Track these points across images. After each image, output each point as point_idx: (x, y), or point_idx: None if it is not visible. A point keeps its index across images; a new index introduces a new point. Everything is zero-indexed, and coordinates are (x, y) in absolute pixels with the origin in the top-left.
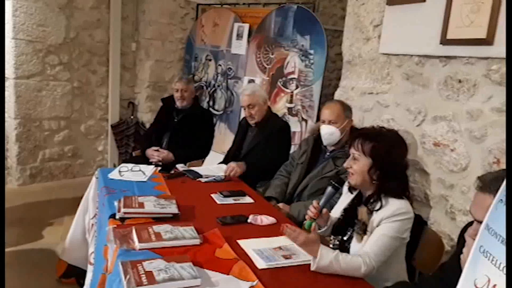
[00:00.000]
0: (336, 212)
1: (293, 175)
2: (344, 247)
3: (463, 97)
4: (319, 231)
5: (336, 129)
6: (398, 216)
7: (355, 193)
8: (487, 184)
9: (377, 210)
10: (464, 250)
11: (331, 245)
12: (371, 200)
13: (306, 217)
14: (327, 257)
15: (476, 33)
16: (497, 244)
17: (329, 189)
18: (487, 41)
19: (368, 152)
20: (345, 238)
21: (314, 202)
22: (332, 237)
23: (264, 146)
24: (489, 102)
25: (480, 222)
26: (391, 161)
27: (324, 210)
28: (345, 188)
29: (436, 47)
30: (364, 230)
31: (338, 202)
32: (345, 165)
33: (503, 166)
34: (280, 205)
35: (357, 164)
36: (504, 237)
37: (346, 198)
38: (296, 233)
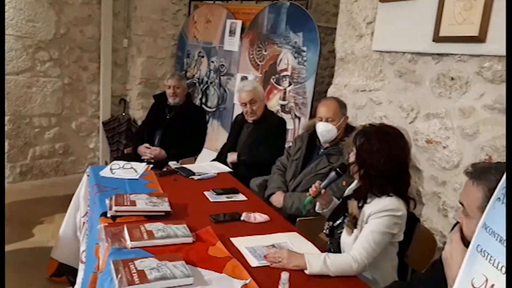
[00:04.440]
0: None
1: (287, 171)
2: (333, 234)
3: (456, 95)
4: (321, 211)
5: (334, 126)
6: (385, 212)
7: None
8: (473, 171)
9: (361, 206)
10: (447, 246)
11: (324, 230)
12: (358, 195)
13: (307, 194)
14: (316, 265)
15: (469, 30)
16: (495, 243)
17: (332, 173)
18: (479, 38)
19: (356, 147)
20: (335, 224)
21: (317, 182)
22: (327, 223)
23: (260, 142)
24: (481, 99)
25: (461, 204)
26: (371, 163)
27: (323, 191)
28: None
29: (429, 44)
30: (354, 224)
31: (349, 187)
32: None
33: None
34: (274, 197)
35: (352, 156)
36: (503, 236)
37: (356, 184)
38: (278, 253)
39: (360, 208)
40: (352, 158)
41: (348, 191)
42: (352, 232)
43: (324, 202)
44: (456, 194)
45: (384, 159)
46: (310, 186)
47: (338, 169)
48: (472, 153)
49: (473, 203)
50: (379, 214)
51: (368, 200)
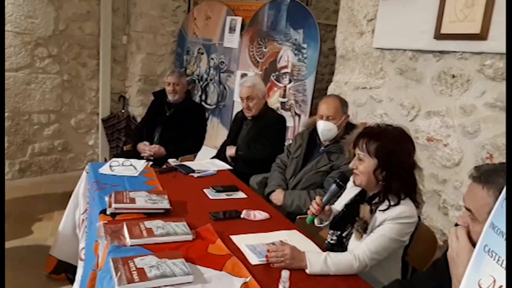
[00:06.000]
0: (339, 205)
1: (287, 169)
2: (341, 243)
3: (457, 92)
4: (321, 225)
5: (334, 125)
6: (402, 219)
7: (360, 189)
8: (480, 174)
9: (384, 210)
10: (453, 244)
11: (328, 239)
12: (376, 200)
13: (308, 212)
14: (317, 264)
15: (470, 27)
16: (503, 243)
17: (333, 186)
18: (481, 36)
19: (373, 152)
20: (343, 234)
21: (317, 198)
22: (330, 232)
23: (259, 139)
24: (483, 97)
25: (467, 209)
26: (397, 161)
27: (327, 207)
28: (350, 181)
29: (430, 41)
30: (364, 229)
31: (342, 195)
32: (350, 165)
33: (495, 161)
34: (274, 194)
35: (363, 165)
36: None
37: (351, 191)
38: (280, 251)
39: (372, 213)
40: (366, 166)
41: (347, 199)
42: (362, 237)
43: (325, 217)
44: (457, 192)
45: (404, 155)
46: (310, 185)
47: (339, 181)
48: (473, 151)
49: (483, 208)
50: (395, 221)
51: (384, 207)
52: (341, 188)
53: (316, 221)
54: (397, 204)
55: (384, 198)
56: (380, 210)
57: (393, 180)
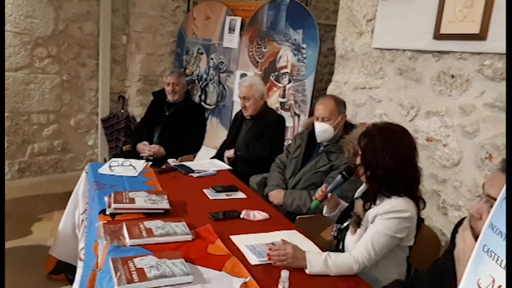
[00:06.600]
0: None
1: (287, 169)
2: (342, 236)
3: (456, 92)
4: (328, 214)
5: (330, 126)
6: (393, 214)
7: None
8: None
9: (368, 209)
10: (460, 244)
11: (332, 232)
12: (366, 197)
13: (313, 197)
14: (317, 264)
15: (469, 28)
16: (502, 243)
17: (339, 177)
18: (480, 36)
19: (361, 148)
20: (342, 227)
21: (323, 186)
22: (334, 225)
23: (259, 139)
24: (482, 97)
25: (488, 196)
26: (375, 160)
27: (329, 195)
28: None
29: (429, 41)
30: (357, 224)
31: (358, 190)
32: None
33: (495, 161)
34: (272, 194)
35: (357, 159)
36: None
37: (365, 186)
38: (282, 249)
39: (367, 210)
40: (357, 160)
41: (358, 193)
42: (355, 231)
43: (331, 205)
44: (456, 192)
45: (389, 157)
46: (310, 185)
47: (344, 173)
48: (472, 151)
49: None
50: (386, 215)
51: (377, 202)
52: (346, 180)
53: (324, 210)
54: (375, 204)
55: (371, 197)
56: (367, 209)
57: (373, 178)
